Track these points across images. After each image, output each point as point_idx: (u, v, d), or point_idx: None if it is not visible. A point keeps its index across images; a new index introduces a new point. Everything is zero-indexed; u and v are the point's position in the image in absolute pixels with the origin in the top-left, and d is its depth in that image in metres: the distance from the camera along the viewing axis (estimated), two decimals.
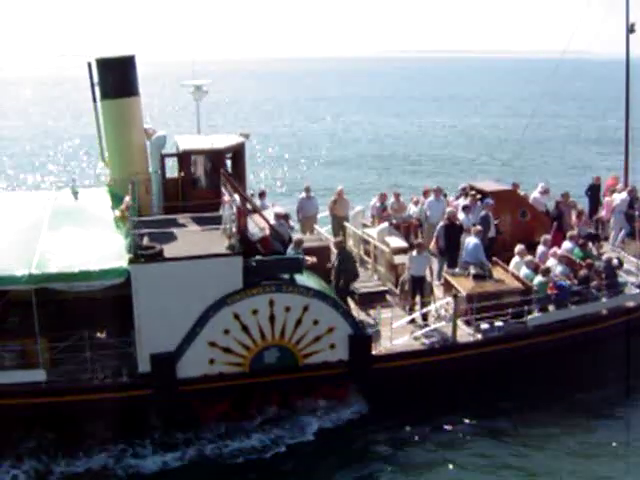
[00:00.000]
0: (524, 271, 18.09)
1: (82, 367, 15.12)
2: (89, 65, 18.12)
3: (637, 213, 20.64)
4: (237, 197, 15.63)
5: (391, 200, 22.55)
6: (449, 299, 16.99)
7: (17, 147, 63.99)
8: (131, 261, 14.79)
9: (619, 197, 22.17)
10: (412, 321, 17.47)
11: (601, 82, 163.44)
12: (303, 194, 22.48)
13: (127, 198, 15.60)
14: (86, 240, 16.18)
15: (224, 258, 15.28)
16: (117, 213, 15.23)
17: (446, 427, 16.13)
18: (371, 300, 18.35)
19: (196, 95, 20.24)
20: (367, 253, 20.92)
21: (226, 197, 15.93)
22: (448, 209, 20.33)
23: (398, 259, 19.42)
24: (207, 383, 15.51)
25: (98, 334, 16.55)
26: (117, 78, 17.89)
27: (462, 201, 22.28)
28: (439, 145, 64.37)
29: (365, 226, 22.00)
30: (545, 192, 22.71)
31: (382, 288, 18.99)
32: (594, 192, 24.09)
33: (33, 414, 15.06)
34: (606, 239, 22.52)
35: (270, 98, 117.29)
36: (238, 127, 47.48)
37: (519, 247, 18.96)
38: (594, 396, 17.41)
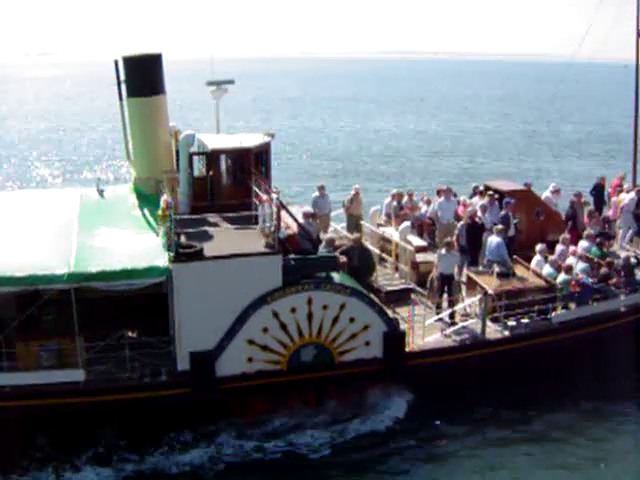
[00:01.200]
0: (547, 269, 18.43)
1: (120, 366, 15.11)
2: (116, 63, 18.06)
3: None
4: (275, 196, 15.72)
5: (404, 199, 22.73)
6: (479, 296, 17.24)
7: (28, 147, 63.31)
8: (173, 260, 14.79)
9: (628, 197, 22.65)
10: (440, 319, 17.72)
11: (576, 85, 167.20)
12: (317, 192, 22.57)
13: (165, 197, 15.54)
14: (119, 239, 16.16)
15: (265, 257, 15.37)
16: (159, 212, 15.14)
17: (480, 422, 16.48)
18: (396, 298, 18.53)
19: (216, 94, 20.25)
20: (383, 251, 21.13)
21: (264, 196, 15.98)
22: (469, 208, 20.63)
23: (419, 257, 19.70)
24: (245, 381, 15.59)
25: (129, 333, 16.51)
26: (144, 76, 17.83)
27: (476, 200, 22.63)
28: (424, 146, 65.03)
29: (380, 225, 22.19)
30: (556, 192, 23.13)
31: (407, 286, 19.19)
32: (599, 192, 24.56)
33: (71, 414, 14.96)
34: (613, 238, 22.98)
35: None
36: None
37: (540, 246, 19.33)
38: (620, 388, 18.04)
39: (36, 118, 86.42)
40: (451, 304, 17.83)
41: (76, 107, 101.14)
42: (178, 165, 18.41)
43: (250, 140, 18.53)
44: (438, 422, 16.50)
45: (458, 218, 21.51)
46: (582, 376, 17.96)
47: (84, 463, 14.99)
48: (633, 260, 19.08)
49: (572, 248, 19.35)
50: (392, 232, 21.08)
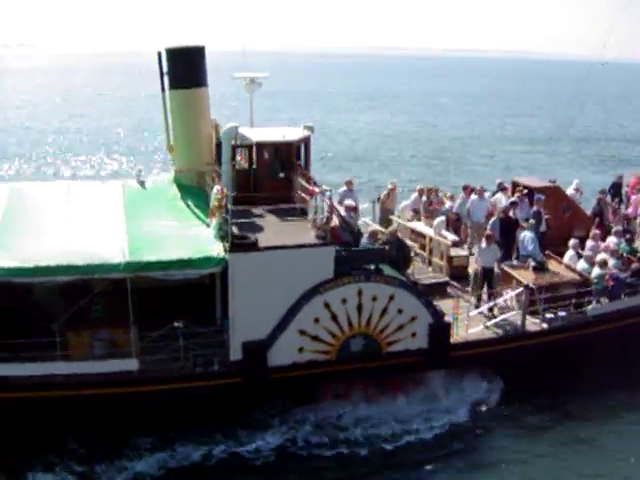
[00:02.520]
0: (582, 264, 18.80)
1: (173, 356, 15.18)
2: (159, 54, 18.04)
3: None
4: (327, 189, 15.90)
5: (432, 195, 22.95)
6: (520, 290, 17.53)
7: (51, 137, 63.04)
8: (230, 250, 14.89)
9: None
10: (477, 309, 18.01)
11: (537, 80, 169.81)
12: (344, 187, 22.73)
13: (218, 187, 15.61)
14: (168, 229, 16.19)
15: (318, 248, 15.53)
16: (215, 202, 15.22)
17: (524, 412, 16.86)
18: (433, 291, 18.77)
19: (249, 88, 20.35)
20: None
21: (316, 189, 16.13)
22: (503, 203, 20.96)
23: (452, 252, 20.02)
24: (296, 371, 15.74)
25: (175, 323, 16.57)
26: (187, 68, 17.91)
27: (499, 196, 22.96)
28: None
29: (408, 220, 22.41)
30: (578, 189, 23.55)
31: (444, 279, 19.47)
32: (616, 190, 25.04)
33: (126, 403, 15.01)
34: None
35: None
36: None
37: (573, 241, 19.72)
38: None
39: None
40: (491, 297, 18.12)
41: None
42: (218, 158, 18.51)
43: (292, 134, 18.68)
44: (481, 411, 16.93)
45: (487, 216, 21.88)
46: (614, 368, 18.38)
47: (137, 451, 15.15)
48: None
49: (604, 244, 19.74)
50: (421, 227, 21.31)
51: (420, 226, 21.32)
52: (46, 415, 14.57)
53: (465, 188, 23.02)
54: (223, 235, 15.34)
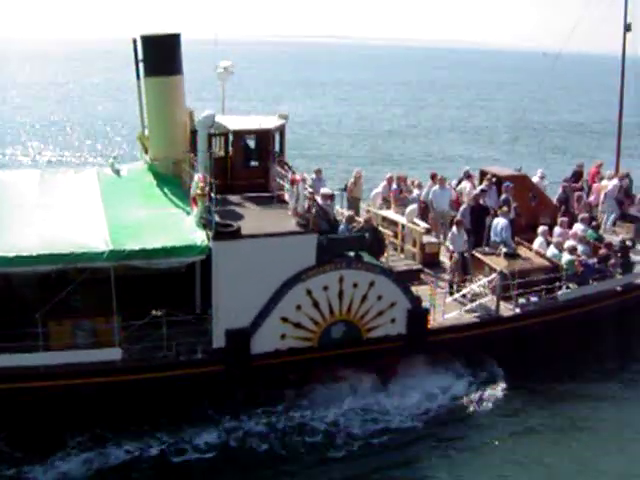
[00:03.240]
0: (552, 250, 19.27)
1: (156, 345, 15.14)
2: (134, 42, 17.90)
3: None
4: (308, 177, 16.00)
5: (401, 183, 23.18)
6: (495, 275, 17.91)
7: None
8: (214, 238, 14.89)
9: (611, 183, 23.77)
10: (451, 295, 18.35)
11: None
12: (313, 175, 22.81)
13: (200, 175, 15.57)
14: (148, 217, 16.11)
15: (301, 236, 15.65)
16: (198, 191, 15.18)
17: (500, 395, 17.32)
18: (408, 278, 19.01)
19: (222, 76, 20.26)
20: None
21: (297, 176, 16.22)
22: (474, 191, 21.32)
23: (425, 239, 20.35)
24: (278, 358, 15.86)
25: (154, 312, 16.51)
26: (163, 56, 17.78)
27: (465, 184, 23.39)
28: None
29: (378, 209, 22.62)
30: (543, 177, 24.12)
31: (418, 266, 19.76)
32: (577, 178, 25.67)
33: (108, 392, 14.93)
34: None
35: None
36: None
37: (542, 228, 20.22)
38: (621, 359, 19.61)
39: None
40: (465, 283, 18.49)
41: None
42: (193, 146, 18.46)
43: (268, 122, 18.70)
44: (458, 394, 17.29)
45: (452, 205, 22.28)
46: (588, 349, 19.20)
47: (121, 441, 15.08)
48: (629, 242, 20.12)
49: (572, 231, 20.26)
50: (393, 214, 21.56)
51: (392, 214, 21.55)
52: (31, 407, 14.44)
53: (433, 176, 23.33)
54: (205, 223, 15.35)
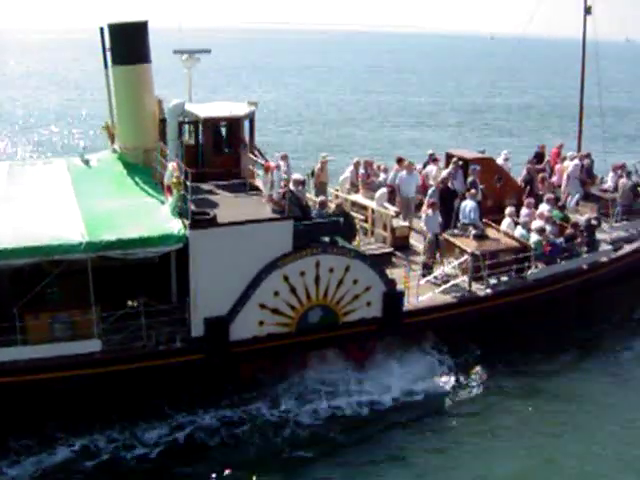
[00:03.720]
0: (520, 231, 19.66)
1: (134, 335, 15.12)
2: (101, 30, 17.73)
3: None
4: (283, 163, 16.06)
5: (369, 168, 23.34)
6: (466, 257, 18.22)
7: None
8: (191, 227, 14.88)
9: (572, 164, 24.25)
10: (424, 277, 18.60)
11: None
12: (280, 161, 22.83)
13: (174, 164, 15.53)
14: (122, 207, 15.99)
15: (277, 222, 15.72)
16: (173, 179, 15.12)
17: (477, 372, 17.86)
18: (380, 261, 19.20)
19: (188, 63, 20.16)
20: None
21: (272, 163, 16.27)
22: (442, 173, 21.60)
23: (395, 222, 20.59)
24: (257, 344, 15.95)
25: (129, 302, 16.48)
26: (131, 44, 17.62)
27: (431, 168, 23.71)
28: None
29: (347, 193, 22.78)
30: (507, 159, 24.53)
31: (389, 249, 19.99)
32: (539, 160, 26.10)
33: (89, 385, 14.88)
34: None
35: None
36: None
37: (510, 209, 20.60)
38: (590, 334, 20.40)
39: None
40: (437, 265, 18.79)
41: None
42: (162, 134, 18.38)
43: (238, 109, 18.68)
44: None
45: (419, 189, 22.59)
46: (557, 326, 19.71)
47: (101, 434, 15.06)
48: (594, 222, 20.61)
49: (539, 211, 20.65)
50: (362, 199, 21.75)
51: (361, 198, 21.73)
52: (12, 401, 14.33)
53: (399, 161, 23.54)
54: (181, 212, 15.33)
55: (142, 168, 17.91)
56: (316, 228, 16.50)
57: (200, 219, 15.06)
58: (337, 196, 22.07)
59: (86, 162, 18.08)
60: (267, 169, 16.21)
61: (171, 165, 15.61)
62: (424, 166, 24.27)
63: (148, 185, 17.16)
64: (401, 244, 20.64)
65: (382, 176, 23.60)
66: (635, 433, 16.14)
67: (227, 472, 14.32)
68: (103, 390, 14.89)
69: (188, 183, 15.15)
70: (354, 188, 22.88)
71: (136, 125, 18.04)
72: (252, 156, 17.48)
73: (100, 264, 15.09)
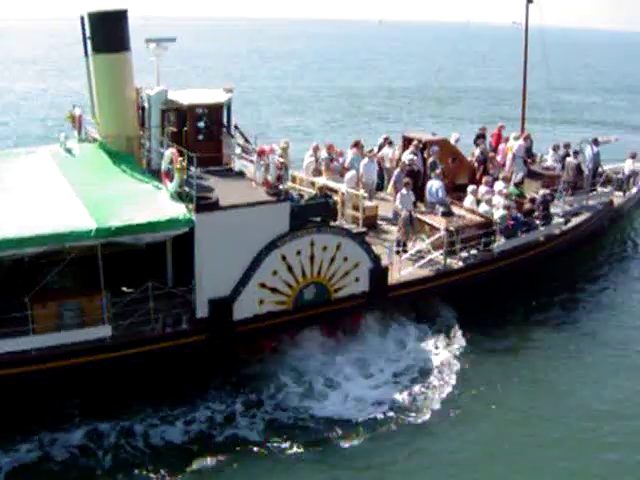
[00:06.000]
0: (484, 207, 20.91)
1: (143, 319, 15.39)
2: (82, 19, 17.72)
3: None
4: (277, 148, 16.60)
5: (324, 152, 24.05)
6: (442, 233, 19.28)
7: None
8: (197, 210, 15.25)
9: (516, 143, 25.74)
10: (405, 253, 19.60)
11: None
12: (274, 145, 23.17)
13: (173, 150, 15.82)
14: (120, 194, 16.13)
15: (275, 204, 16.29)
16: (177, 165, 15.39)
17: (457, 339, 18.85)
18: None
19: (156, 52, 20.29)
20: None
21: (266, 147, 16.78)
22: (408, 156, 22.59)
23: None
24: (258, 323, 16.52)
25: (124, 289, 16.67)
26: (112, 32, 17.71)
27: (387, 150, 24.74)
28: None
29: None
30: (457, 140, 25.82)
31: (364, 229, 20.78)
32: (482, 141, 27.48)
33: (104, 370, 15.08)
34: None
35: None
36: None
37: (472, 187, 21.83)
38: (553, 300, 21.84)
39: None
40: (409, 241, 19.86)
41: None
42: (142, 122, 18.57)
43: (219, 95, 19.05)
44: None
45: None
46: (522, 293, 21.30)
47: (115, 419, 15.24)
48: (549, 197, 22.13)
49: (497, 188, 21.97)
50: (332, 182, 22.45)
51: (331, 182, 22.40)
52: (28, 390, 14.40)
53: (355, 144, 24.40)
54: (181, 196, 15.65)
55: (125, 156, 18.02)
56: (310, 209, 17.17)
57: (205, 203, 15.44)
58: (301, 180, 22.72)
59: (68, 151, 18.06)
60: (262, 153, 16.72)
61: (169, 151, 15.91)
62: (379, 149, 25.21)
63: (136, 172, 17.36)
64: (371, 223, 21.52)
65: (340, 159, 24.37)
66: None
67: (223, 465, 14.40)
68: (115, 375, 15.15)
69: (193, 168, 15.49)
70: (315, 172, 23.55)
71: (117, 113, 18.15)
72: (240, 141, 17.88)
73: (89, 253, 15.24)
